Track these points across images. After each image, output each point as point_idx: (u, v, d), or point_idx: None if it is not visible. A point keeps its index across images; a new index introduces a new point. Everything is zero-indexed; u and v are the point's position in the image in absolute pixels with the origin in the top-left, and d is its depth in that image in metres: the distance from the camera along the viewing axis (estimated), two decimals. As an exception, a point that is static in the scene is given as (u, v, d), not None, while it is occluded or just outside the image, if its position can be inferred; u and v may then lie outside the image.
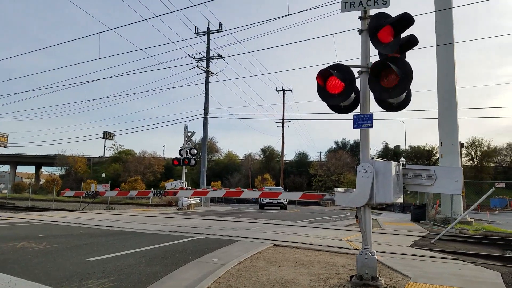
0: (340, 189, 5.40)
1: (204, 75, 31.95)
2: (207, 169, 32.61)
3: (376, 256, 5.09)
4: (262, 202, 32.16)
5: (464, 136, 62.48)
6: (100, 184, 35.23)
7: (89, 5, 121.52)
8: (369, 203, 5.04)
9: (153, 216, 18.19)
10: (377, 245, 8.51)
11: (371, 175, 4.95)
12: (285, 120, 53.21)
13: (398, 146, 68.81)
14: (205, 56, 31.84)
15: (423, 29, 21.10)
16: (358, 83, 5.35)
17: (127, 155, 74.66)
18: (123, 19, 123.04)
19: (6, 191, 57.94)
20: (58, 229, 11.29)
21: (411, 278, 5.60)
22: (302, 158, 70.94)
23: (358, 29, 5.45)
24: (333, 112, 5.79)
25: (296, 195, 8.46)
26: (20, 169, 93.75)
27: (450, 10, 18.09)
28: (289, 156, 79.58)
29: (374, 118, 5.16)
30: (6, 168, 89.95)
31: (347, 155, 63.73)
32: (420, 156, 62.93)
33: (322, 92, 5.31)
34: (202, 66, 31.45)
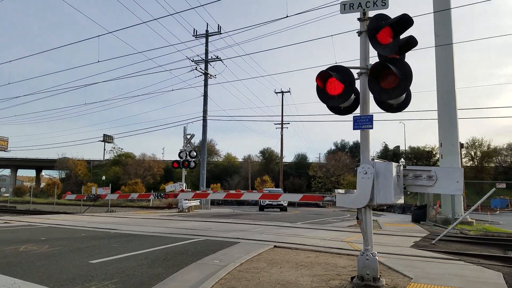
0: (340, 190, 5.42)
1: (203, 77, 32.02)
2: (207, 172, 32.62)
3: (377, 257, 5.11)
4: (262, 204, 32.15)
5: (464, 136, 62.56)
6: (100, 187, 35.20)
7: (88, 7, 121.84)
8: (370, 204, 5.06)
9: (153, 218, 18.20)
10: (378, 246, 8.53)
11: (371, 176, 4.97)
12: (284, 122, 53.27)
13: (398, 147, 68.85)
14: (204, 58, 31.91)
15: (422, 30, 21.11)
16: (357, 84, 5.38)
17: (127, 158, 74.67)
18: (122, 22, 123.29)
19: (7, 194, 58.00)
20: (60, 232, 11.31)
21: (412, 278, 5.61)
22: (301, 160, 70.96)
23: (357, 31, 5.48)
24: (332, 113, 5.82)
25: (296, 197, 8.46)
26: (21, 172, 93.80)
27: (449, 11, 18.15)
28: (288, 158, 79.49)
29: (373, 119, 5.19)
30: (7, 171, 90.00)
31: (347, 156, 63.74)
32: (420, 157, 62.94)
33: (322, 93, 5.34)
34: (200, 68, 31.50)
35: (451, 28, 18.39)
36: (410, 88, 5.14)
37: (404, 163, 6.05)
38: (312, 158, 74.92)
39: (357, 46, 5.50)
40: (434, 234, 12.69)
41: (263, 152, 73.12)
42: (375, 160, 5.08)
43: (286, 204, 32.72)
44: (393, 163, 5.10)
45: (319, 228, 14.56)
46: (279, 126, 53.33)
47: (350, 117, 5.56)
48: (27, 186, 76.80)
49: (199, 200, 27.87)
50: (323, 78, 5.21)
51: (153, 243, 8.84)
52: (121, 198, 25.95)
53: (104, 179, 56.38)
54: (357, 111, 5.44)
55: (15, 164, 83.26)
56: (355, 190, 5.20)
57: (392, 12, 5.07)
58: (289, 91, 53.74)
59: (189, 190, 26.38)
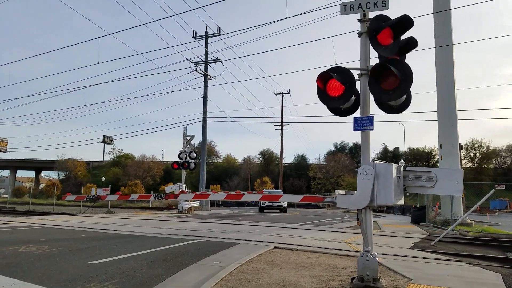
0: (341, 192, 5.43)
1: (202, 79, 32.03)
2: (206, 173, 32.61)
3: (377, 258, 5.12)
4: (261, 205, 32.16)
5: (463, 137, 62.48)
6: (100, 188, 35.22)
7: (88, 9, 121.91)
8: (370, 205, 5.06)
9: (153, 219, 18.20)
10: (378, 247, 8.54)
11: (372, 177, 4.97)
12: (283, 123, 53.31)
13: (397, 148, 68.90)
14: (204, 60, 31.92)
15: (422, 30, 21.13)
16: (358, 85, 5.39)
17: (126, 159, 74.67)
18: (122, 24, 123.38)
19: (6, 195, 57.93)
20: (60, 233, 11.31)
21: (412, 279, 5.62)
22: (301, 161, 70.99)
23: (357, 32, 5.49)
24: (333, 114, 5.82)
25: (296, 198, 8.45)
26: (20, 173, 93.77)
27: (448, 12, 18.18)
28: (288, 159, 79.51)
29: (373, 120, 5.20)
30: (6, 173, 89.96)
31: (346, 157, 63.79)
32: (420, 158, 62.97)
33: (322, 95, 5.35)
34: (200, 70, 31.51)
35: (451, 29, 18.42)
36: (410, 89, 5.16)
37: (403, 164, 6.05)
38: (311, 159, 75.04)
39: (357, 47, 5.51)
40: (433, 235, 12.70)
41: (262, 153, 73.15)
42: (376, 161, 5.09)
43: (286, 205, 32.76)
44: (394, 164, 5.10)
45: (319, 229, 14.56)
46: (279, 127, 53.42)
47: (350, 118, 5.57)
48: (27, 187, 76.81)
49: (199, 201, 27.87)
50: (323, 79, 5.22)
51: (153, 244, 8.84)
52: (121, 199, 25.96)
53: (103, 180, 56.38)
54: (358, 112, 5.45)
55: (15, 165, 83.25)
56: (355, 191, 5.20)
57: (392, 13, 5.09)
58: (288, 92, 53.87)
59: (189, 191, 26.40)
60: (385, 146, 69.25)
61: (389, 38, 5.00)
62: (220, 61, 32.21)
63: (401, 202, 5.30)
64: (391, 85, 4.87)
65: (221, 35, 31.95)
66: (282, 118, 53.14)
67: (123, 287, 4.91)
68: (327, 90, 5.25)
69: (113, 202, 36.40)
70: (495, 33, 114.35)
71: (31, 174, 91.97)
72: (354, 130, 5.21)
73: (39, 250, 7.72)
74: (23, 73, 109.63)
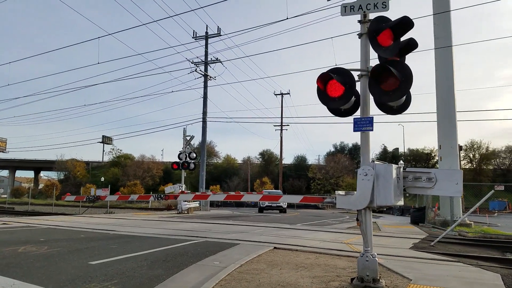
0: (341, 192, 5.44)
1: (202, 79, 32.04)
2: (206, 173, 32.61)
3: (377, 259, 5.12)
4: (261, 205, 32.18)
5: (462, 138, 62.65)
6: (99, 188, 35.20)
7: (88, 9, 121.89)
8: (370, 205, 5.07)
9: (152, 220, 18.20)
10: (377, 247, 8.54)
11: (371, 178, 4.98)
12: (283, 124, 53.27)
13: (397, 149, 68.96)
14: (204, 60, 31.93)
15: (422, 31, 21.16)
16: (358, 86, 5.40)
17: (126, 159, 74.64)
18: (122, 24, 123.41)
19: (5, 195, 57.88)
20: (59, 233, 11.30)
21: (411, 280, 5.63)
22: (300, 162, 71.04)
23: (357, 33, 5.50)
24: (332, 115, 5.83)
25: (296, 198, 8.47)
26: (19, 173, 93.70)
27: (448, 13, 18.19)
28: (288, 159, 79.63)
29: (373, 121, 5.21)
30: (5, 173, 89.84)
31: (346, 158, 63.86)
32: (419, 159, 63.05)
33: (322, 95, 5.36)
34: (200, 70, 31.52)
35: (450, 30, 18.43)
36: (410, 90, 5.17)
37: (403, 165, 6.05)
38: (311, 160, 75.23)
39: (357, 48, 5.52)
40: (433, 236, 12.71)
41: (262, 154, 73.20)
42: (375, 162, 5.10)
43: (286, 206, 32.79)
44: (393, 165, 5.12)
45: (319, 229, 14.56)
46: (279, 128, 53.37)
47: (349, 119, 5.58)
48: (26, 187, 76.74)
49: (198, 202, 27.87)
50: (324, 80, 5.23)
51: (152, 245, 8.84)
52: (121, 199, 25.98)
53: (103, 180, 56.37)
54: (358, 113, 5.46)
55: (14, 165, 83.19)
56: (355, 192, 5.21)
57: (392, 14, 5.10)
58: (288, 93, 53.82)
59: (188, 191, 26.40)
60: (385, 147, 69.41)
61: (389, 39, 5.01)
62: (220, 62, 32.23)
63: (401, 202, 5.32)
64: (391, 86, 4.88)
65: (221, 35, 31.98)
66: (282, 119, 53.14)
67: (123, 288, 4.91)
68: (327, 91, 5.25)
69: (112, 203, 36.39)
70: (494, 35, 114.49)
71: (30, 174, 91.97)
72: (354, 131, 5.22)
73: (38, 250, 7.72)
74: (23, 73, 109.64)
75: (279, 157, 57.55)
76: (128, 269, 6.03)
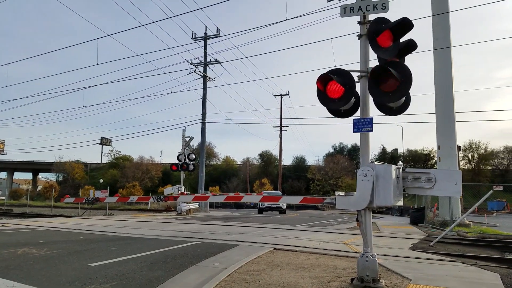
0: (341, 193, 5.45)
1: (201, 80, 32.06)
2: (205, 174, 32.61)
3: (376, 259, 5.14)
4: (260, 206, 32.21)
5: (461, 139, 62.85)
6: (98, 190, 35.17)
7: (87, 10, 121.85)
8: (370, 206, 5.09)
9: (152, 221, 18.18)
10: (377, 248, 8.55)
11: (371, 178, 5.00)
12: (282, 125, 53.32)
13: (396, 150, 69.04)
14: (203, 61, 31.95)
15: (422, 32, 21.22)
16: (357, 87, 5.41)
17: (124, 161, 74.56)
18: (121, 25, 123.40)
19: (3, 197, 57.70)
20: (58, 235, 11.28)
21: (411, 280, 5.64)
22: (300, 163, 71.04)
23: (357, 34, 5.52)
24: (332, 116, 5.85)
25: (296, 199, 8.47)
26: (17, 175, 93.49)
27: (447, 14, 18.23)
28: (287, 160, 79.57)
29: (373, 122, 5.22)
30: (3, 174, 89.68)
31: (345, 159, 63.89)
32: (418, 160, 63.16)
33: (322, 96, 5.37)
34: (199, 71, 31.56)
35: (449, 32, 18.48)
36: (409, 90, 5.18)
37: (402, 166, 6.05)
38: (310, 161, 75.21)
39: (357, 49, 5.54)
40: (432, 236, 12.73)
41: (261, 155, 73.21)
42: (375, 163, 5.11)
43: (285, 207, 32.83)
44: (393, 165, 5.13)
45: (318, 230, 14.57)
46: (278, 129, 53.40)
47: (348, 120, 5.60)
48: (24, 189, 76.59)
49: (197, 203, 27.86)
50: (323, 81, 5.24)
51: (152, 246, 8.84)
52: (120, 201, 25.93)
53: (101, 182, 56.30)
54: (357, 114, 5.47)
55: (12, 167, 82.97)
56: (355, 193, 5.22)
57: (392, 15, 5.12)
58: (287, 94, 53.87)
59: (188, 193, 26.38)
60: (384, 147, 69.52)
61: (389, 40, 5.03)
62: (219, 63, 32.25)
63: (400, 203, 5.33)
64: (390, 87, 4.90)
65: (220, 36, 32.00)
66: (281, 120, 53.18)
67: (123, 289, 4.91)
68: (327, 92, 5.27)
69: (111, 204, 36.38)
70: (493, 36, 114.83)
71: (28, 176, 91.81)
72: (354, 131, 5.24)
73: (37, 252, 7.71)
74: (21, 74, 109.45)
75: (278, 158, 57.60)
76: (128, 270, 6.03)
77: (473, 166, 60.39)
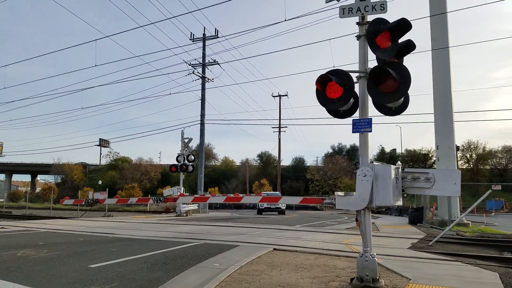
0: (340, 193, 5.47)
1: (200, 81, 32.06)
2: (204, 175, 32.61)
3: (376, 259, 5.16)
4: (260, 207, 32.23)
5: (459, 139, 62.92)
6: (97, 191, 35.14)
7: (85, 12, 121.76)
8: (369, 206, 5.10)
9: (151, 222, 18.18)
10: (376, 247, 8.56)
11: (370, 178, 5.02)
12: (281, 126, 53.36)
13: (394, 150, 69.11)
14: (201, 62, 31.96)
15: (420, 32, 21.26)
16: (356, 88, 5.43)
17: (123, 162, 74.50)
18: (120, 26, 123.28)
19: (2, 199, 57.64)
20: (58, 237, 11.28)
21: (410, 279, 5.66)
22: (298, 163, 71.09)
23: (356, 35, 5.54)
24: (331, 117, 5.87)
25: (296, 200, 8.48)
26: (16, 177, 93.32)
27: (445, 15, 18.29)
28: (286, 161, 79.71)
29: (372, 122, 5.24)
30: (1, 176, 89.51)
31: (344, 159, 63.93)
32: (416, 160, 63.28)
33: (321, 97, 5.39)
34: (198, 72, 31.55)
35: (447, 32, 18.54)
36: (408, 91, 5.20)
37: (400, 166, 6.07)
38: (309, 161, 75.19)
39: (355, 49, 5.56)
40: (431, 235, 12.76)
41: (260, 156, 73.24)
42: (374, 163, 5.13)
43: (284, 207, 32.86)
44: (392, 165, 5.15)
45: (318, 230, 14.59)
46: (277, 129, 53.43)
47: (347, 120, 5.62)
48: (22, 191, 76.44)
49: (197, 204, 27.87)
50: (322, 81, 5.26)
51: (152, 247, 8.85)
52: (120, 202, 25.96)
53: (100, 183, 56.24)
54: (356, 114, 5.49)
55: (10, 169, 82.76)
56: (354, 193, 5.24)
57: (391, 15, 5.14)
58: (286, 95, 53.93)
59: (187, 194, 26.39)
60: (382, 147, 69.61)
61: (388, 41, 5.06)
62: (218, 64, 32.25)
63: (400, 203, 5.35)
64: (389, 88, 4.92)
65: (218, 37, 32.01)
66: (280, 121, 53.24)
67: (124, 290, 4.92)
68: (326, 92, 5.29)
69: (110, 206, 36.37)
70: (491, 36, 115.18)
71: (27, 178, 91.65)
72: (353, 132, 5.26)
73: (37, 254, 7.71)
74: (19, 76, 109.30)
75: (277, 158, 57.67)
76: (128, 271, 6.04)
77: (471, 165, 60.56)
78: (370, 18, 5.43)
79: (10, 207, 48.66)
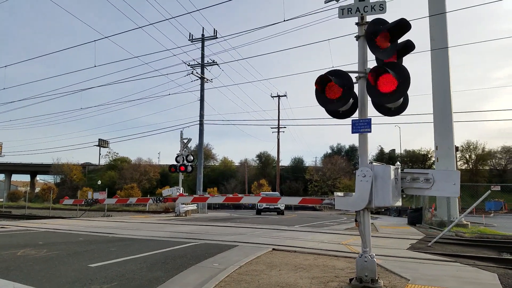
0: (339, 193, 5.48)
1: (199, 81, 32.05)
2: (203, 176, 32.61)
3: (375, 259, 5.17)
4: (259, 207, 32.24)
5: (459, 139, 62.95)
6: (96, 191, 35.11)
7: (84, 13, 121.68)
8: (368, 206, 5.11)
9: (151, 222, 18.17)
10: (375, 248, 8.56)
11: (370, 179, 5.03)
12: (280, 126, 53.35)
13: (393, 150, 69.09)
14: (200, 62, 31.97)
15: (420, 32, 21.26)
16: (356, 88, 5.44)
17: (122, 162, 74.42)
18: (120, 27, 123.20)
19: (1, 199, 57.61)
20: (58, 237, 11.28)
21: (409, 280, 5.68)
22: (297, 164, 71.04)
23: (355, 35, 5.56)
24: (330, 117, 5.88)
25: (295, 200, 8.49)
26: (15, 177, 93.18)
27: (444, 15, 18.31)
28: (285, 161, 79.63)
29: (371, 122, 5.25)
30: (1, 176, 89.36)
31: (343, 160, 63.91)
32: (415, 160, 63.26)
33: (321, 97, 5.40)
34: (197, 72, 31.56)
35: (446, 32, 18.56)
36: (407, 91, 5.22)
37: (400, 167, 6.07)
38: (308, 161, 75.15)
39: (355, 50, 5.58)
40: (430, 236, 12.78)
41: (259, 156, 73.18)
42: (374, 164, 5.14)
43: (283, 208, 32.87)
44: (391, 166, 5.17)
45: (317, 231, 14.61)
46: (276, 130, 53.44)
47: (346, 120, 5.63)
48: (22, 191, 76.35)
49: (196, 204, 27.86)
50: (322, 82, 5.27)
51: (151, 247, 8.85)
52: (120, 202, 25.96)
53: (99, 183, 56.19)
54: (356, 115, 5.50)
55: (9, 169, 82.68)
56: (353, 193, 5.25)
57: (389, 16, 5.16)
58: (285, 95, 53.95)
59: (186, 194, 26.39)
60: (381, 148, 69.54)
61: (387, 41, 5.07)
62: (217, 64, 32.28)
63: (399, 203, 5.36)
64: (389, 88, 4.93)
65: (217, 38, 32.04)
66: (279, 121, 53.23)
67: (123, 290, 4.93)
68: (326, 92, 5.30)
69: (109, 206, 36.33)
70: (491, 36, 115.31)
71: (26, 178, 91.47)
72: (352, 132, 5.27)
73: (37, 253, 7.71)
74: (19, 76, 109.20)
75: (276, 159, 57.66)
76: (127, 271, 6.05)
77: (470, 166, 60.56)
78: (369, 18, 5.44)
79: (10, 206, 48.61)
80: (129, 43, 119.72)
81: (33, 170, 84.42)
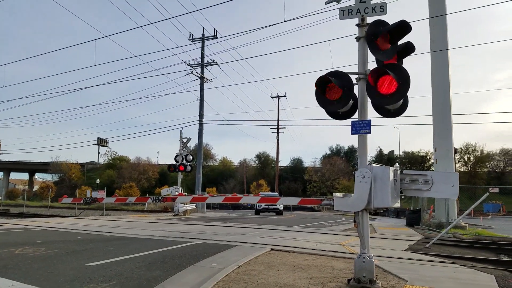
0: (339, 194, 5.49)
1: (199, 81, 32.06)
2: (202, 175, 32.60)
3: (373, 260, 5.18)
4: (257, 207, 32.27)
5: (457, 141, 63.06)
6: (94, 190, 35.07)
7: (84, 12, 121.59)
8: (367, 207, 5.13)
9: (149, 222, 18.17)
10: (373, 249, 8.58)
11: (369, 180, 5.04)
12: (280, 126, 53.41)
13: (392, 151, 69.16)
14: (200, 62, 31.97)
15: (420, 34, 21.28)
16: (356, 89, 5.46)
17: (121, 161, 74.35)
18: (120, 26, 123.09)
19: (0, 197, 57.50)
20: (56, 235, 11.27)
21: (407, 281, 5.69)
22: (297, 164, 71.04)
23: (355, 36, 5.57)
24: (329, 118, 5.89)
25: (294, 200, 8.52)
26: (14, 175, 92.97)
27: (444, 17, 18.34)
28: (284, 162, 79.55)
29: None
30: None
31: (342, 160, 63.94)
32: (414, 162, 63.31)
33: (321, 98, 5.41)
34: (197, 72, 31.57)
35: (446, 34, 18.58)
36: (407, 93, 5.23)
37: (399, 168, 6.09)
38: (307, 162, 75.11)
39: (355, 51, 5.59)
40: (428, 238, 12.80)
41: (259, 157, 73.18)
42: (373, 165, 5.16)
43: (282, 208, 32.90)
44: (390, 167, 5.18)
45: (315, 231, 14.62)
46: (275, 130, 53.49)
47: (345, 121, 5.65)
48: (20, 189, 76.28)
49: (195, 204, 27.85)
50: (322, 83, 5.28)
51: (150, 246, 8.85)
52: (119, 201, 25.89)
53: (98, 182, 56.14)
54: (355, 116, 5.52)
55: (8, 167, 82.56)
56: (352, 194, 5.27)
57: (390, 17, 5.17)
58: (285, 96, 54.03)
59: (185, 194, 26.38)
60: (380, 149, 69.56)
61: (387, 43, 5.09)
62: (217, 64, 32.29)
63: (398, 204, 5.38)
64: (389, 90, 4.95)
65: (217, 37, 32.07)
66: (278, 121, 53.29)
67: (122, 289, 4.93)
68: (326, 94, 5.31)
69: (108, 205, 36.27)
70: (491, 38, 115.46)
71: (24, 176, 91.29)
72: (352, 133, 5.28)
73: (36, 252, 7.71)
74: (18, 75, 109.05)
75: (275, 159, 57.68)
76: (126, 270, 6.05)
77: (469, 168, 60.64)
78: (369, 19, 5.45)
79: (8, 205, 48.59)
80: (129, 43, 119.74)
81: (32, 168, 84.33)
